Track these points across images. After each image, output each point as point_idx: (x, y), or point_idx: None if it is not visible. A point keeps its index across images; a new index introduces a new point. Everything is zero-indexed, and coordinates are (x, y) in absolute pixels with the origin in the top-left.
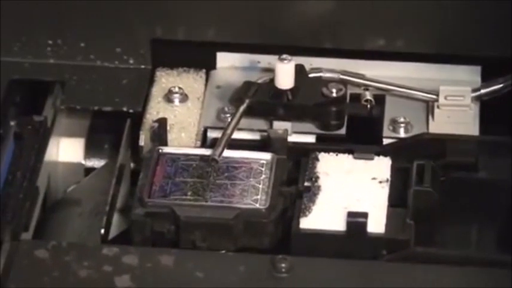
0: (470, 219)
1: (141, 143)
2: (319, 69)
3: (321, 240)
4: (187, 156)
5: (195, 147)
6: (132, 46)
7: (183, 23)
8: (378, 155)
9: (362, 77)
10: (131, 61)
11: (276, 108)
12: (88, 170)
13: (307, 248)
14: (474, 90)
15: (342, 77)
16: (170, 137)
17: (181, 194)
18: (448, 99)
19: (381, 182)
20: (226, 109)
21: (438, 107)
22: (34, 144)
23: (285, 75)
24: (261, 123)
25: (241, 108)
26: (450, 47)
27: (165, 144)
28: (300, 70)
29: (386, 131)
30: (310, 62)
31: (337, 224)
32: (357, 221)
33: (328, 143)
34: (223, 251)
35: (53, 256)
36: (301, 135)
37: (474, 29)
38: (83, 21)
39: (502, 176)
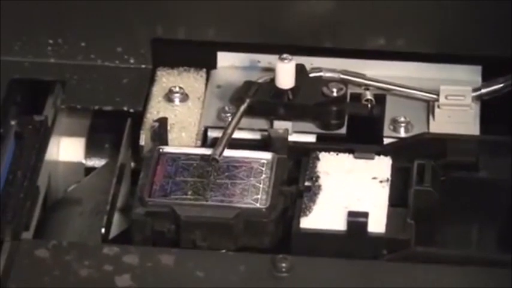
0: (470, 218)
1: (142, 142)
2: (319, 69)
3: (322, 239)
4: (187, 155)
5: (196, 146)
6: (132, 45)
7: (184, 22)
8: (379, 154)
9: (362, 76)
10: (132, 60)
11: (277, 107)
12: (88, 170)
13: (308, 247)
14: (475, 90)
15: (342, 76)
16: (171, 136)
17: (181, 194)
18: (448, 98)
19: (381, 181)
20: (226, 109)
21: (439, 106)
22: (35, 143)
23: (285, 75)
24: (262, 123)
25: (242, 108)
26: (451, 46)
27: (166, 143)
28: (300, 70)
29: (386, 130)
30: (310, 62)
31: (338, 223)
32: (357, 220)
33: (329, 143)
34: (224, 251)
35: (53, 255)
36: (302, 134)
37: (474, 28)
38: (83, 20)
39: (503, 176)
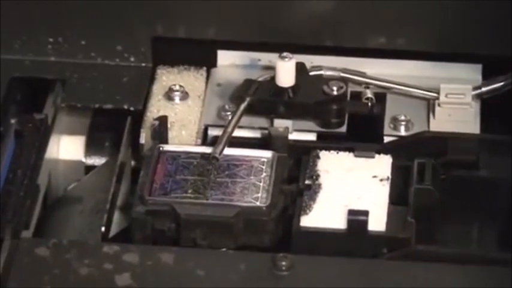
0: (471, 217)
1: (142, 140)
2: (320, 67)
3: (322, 238)
4: (188, 154)
5: (196, 145)
6: (132, 44)
7: (184, 21)
8: (379, 153)
9: (363, 75)
10: (132, 59)
11: (277, 106)
12: (89, 168)
13: (308, 246)
14: (475, 89)
15: (342, 75)
16: (171, 134)
17: (181, 192)
18: (448, 97)
19: (381, 180)
20: (227, 107)
21: (439, 105)
22: (35, 142)
23: (285, 73)
24: (262, 121)
25: (242, 106)
26: (451, 45)
27: (166, 142)
28: (300, 68)
29: (387, 129)
30: (311, 60)
31: (338, 222)
32: (357, 219)
33: (329, 141)
34: (224, 249)
35: (53, 254)
36: (302, 133)
37: (475, 27)
38: (83, 19)
39: (503, 174)
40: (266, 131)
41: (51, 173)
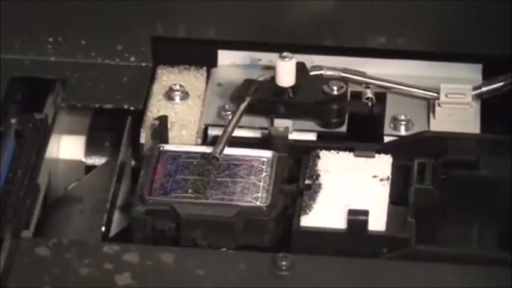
0: (471, 217)
1: (142, 140)
2: (320, 67)
3: (322, 238)
4: (188, 153)
5: (196, 144)
6: (133, 44)
7: (184, 20)
8: (379, 152)
9: (363, 74)
10: (132, 59)
11: (277, 106)
12: (89, 168)
13: (308, 245)
14: (475, 88)
15: (343, 74)
16: (171, 134)
17: (182, 192)
18: (449, 97)
19: (381, 179)
20: (227, 107)
21: (439, 105)
22: (35, 141)
23: (286, 73)
24: (262, 121)
25: (242, 106)
26: (451, 45)
27: (166, 141)
28: (301, 68)
29: (387, 128)
30: (311, 60)
31: (338, 221)
32: (357, 218)
33: (329, 141)
34: (224, 249)
35: (53, 254)
36: (302, 133)
37: (475, 27)
38: (83, 18)
39: (503, 174)
40: (266, 131)
41: (52, 172)
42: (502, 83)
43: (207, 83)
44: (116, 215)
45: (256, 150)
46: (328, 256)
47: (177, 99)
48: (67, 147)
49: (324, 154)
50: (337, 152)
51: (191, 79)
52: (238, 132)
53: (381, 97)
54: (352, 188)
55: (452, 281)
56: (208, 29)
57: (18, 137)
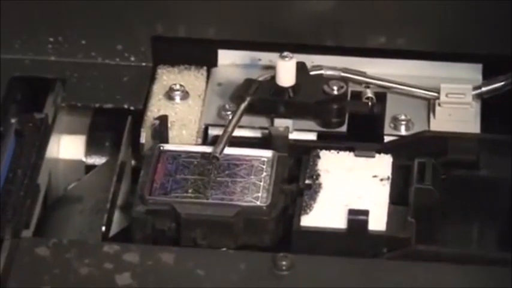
0: (471, 217)
1: (142, 140)
2: (320, 67)
3: (322, 237)
4: (188, 153)
5: (196, 144)
6: (133, 43)
7: (184, 20)
8: (379, 152)
9: (363, 74)
10: (132, 58)
11: (277, 105)
12: (89, 168)
13: (308, 245)
14: (475, 88)
15: (343, 74)
16: (171, 134)
17: (182, 192)
18: (449, 97)
19: (382, 179)
20: (227, 106)
21: (439, 104)
22: (35, 141)
23: (286, 73)
24: (262, 121)
25: (242, 106)
26: (451, 44)
27: (166, 141)
28: (301, 67)
29: (387, 128)
30: (311, 60)
31: (338, 221)
32: (357, 218)
33: (329, 141)
34: (224, 249)
35: (53, 254)
36: (302, 132)
37: (475, 26)
38: (84, 18)
39: (503, 174)
40: (266, 131)
41: (52, 172)
42: (502, 83)
43: (207, 82)
44: (116, 215)
45: (257, 150)
46: (329, 256)
47: (177, 99)
48: (67, 147)
49: (324, 154)
50: (338, 152)
51: (191, 79)
52: (238, 132)
53: (381, 97)
54: (352, 187)
55: (452, 281)
56: (208, 29)
57: (18, 136)
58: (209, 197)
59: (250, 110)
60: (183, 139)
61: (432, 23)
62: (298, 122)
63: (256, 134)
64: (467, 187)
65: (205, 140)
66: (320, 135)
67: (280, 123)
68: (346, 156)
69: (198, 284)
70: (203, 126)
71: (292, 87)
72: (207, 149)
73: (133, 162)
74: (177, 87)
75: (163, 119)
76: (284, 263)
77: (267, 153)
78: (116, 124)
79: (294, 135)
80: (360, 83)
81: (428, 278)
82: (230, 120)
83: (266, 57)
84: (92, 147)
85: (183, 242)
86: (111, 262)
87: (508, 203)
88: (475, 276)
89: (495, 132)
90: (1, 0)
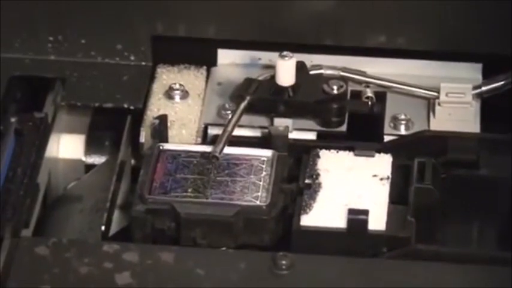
0: (471, 216)
1: (142, 139)
2: (320, 66)
3: (322, 237)
4: (187, 153)
5: (196, 144)
6: (133, 43)
7: (184, 19)
8: (379, 152)
9: (363, 74)
10: (132, 58)
11: (277, 105)
12: (88, 167)
13: (308, 245)
14: (475, 88)
15: (342, 74)
16: (171, 133)
17: (181, 191)
18: (449, 96)
19: (381, 179)
20: (227, 106)
21: (439, 104)
22: (34, 140)
23: (285, 72)
24: (262, 120)
25: (242, 105)
26: (451, 44)
27: (166, 140)
28: (300, 67)
29: (387, 128)
30: (311, 59)
31: (338, 221)
32: (357, 218)
33: (329, 140)
34: (224, 248)
35: (53, 253)
36: (302, 132)
37: (475, 26)
38: (83, 17)
39: (503, 174)
40: (266, 130)
41: (51, 171)
42: (502, 82)
43: (207, 82)
44: (116, 214)
45: (256, 149)
46: (328, 255)
47: (177, 98)
48: (67, 146)
49: (324, 153)
50: (337, 151)
51: (191, 78)
52: (238, 132)
53: (381, 96)
54: (352, 187)
55: (452, 280)
56: (208, 28)
57: (18, 136)
58: (209, 197)
59: (250, 110)
60: (182, 138)
61: (432, 22)
62: (298, 121)
63: (256, 133)
64: (467, 186)
65: (205, 139)
66: (320, 135)
67: (280, 122)
68: (346, 156)
69: (198, 283)
70: (203, 126)
71: (292, 86)
72: (207, 148)
73: (133, 161)
74: (177, 86)
75: (163, 119)
76: (284, 262)
77: (266, 153)
78: (116, 123)
79: (293, 135)
80: (359, 82)
81: (428, 278)
82: (230, 120)
83: (266, 56)
84: (91, 146)
85: (182, 242)
86: (111, 261)
87: (508, 203)
88: (475, 275)
89: (495, 131)
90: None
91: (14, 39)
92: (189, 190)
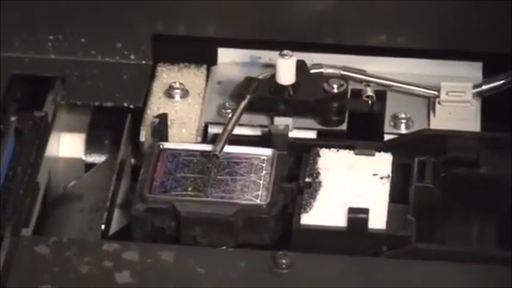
0: (471, 215)
1: (142, 138)
2: (320, 65)
3: (322, 236)
4: (188, 151)
5: (196, 142)
6: (133, 41)
7: (184, 18)
8: (379, 151)
9: (363, 72)
10: (132, 56)
11: (277, 104)
12: (89, 166)
13: (308, 244)
14: (475, 86)
15: (343, 72)
16: (171, 132)
17: (182, 190)
18: (449, 95)
19: (382, 178)
20: (227, 105)
21: (439, 103)
22: (35, 139)
23: (286, 71)
24: (262, 119)
25: (242, 104)
26: (451, 43)
27: (166, 139)
28: (301, 66)
29: (387, 127)
30: (311, 58)
31: (338, 220)
32: (357, 217)
33: (329, 139)
34: (224, 247)
35: (53, 252)
36: (302, 131)
37: (475, 25)
38: (83, 16)
39: (503, 172)
40: (266, 129)
41: (51, 170)
42: (502, 81)
43: (207, 81)
44: (116, 213)
45: (256, 148)
46: (329, 254)
47: (177, 97)
48: (67, 145)
49: (324, 152)
50: (337, 150)
51: (191, 77)
52: (238, 130)
53: (381, 95)
54: (352, 186)
55: (452, 279)
56: (208, 27)
57: (18, 135)
58: (209, 195)
59: (250, 108)
60: (182, 137)
61: (432, 21)
62: (298, 120)
63: (256, 132)
64: (467, 185)
65: (205, 138)
66: (320, 134)
67: (280, 121)
68: (346, 155)
69: (198, 282)
70: (203, 125)
71: (292, 85)
72: (207, 147)
73: (133, 160)
74: (177, 85)
75: (163, 117)
76: (284, 261)
77: (267, 152)
78: (116, 122)
79: (293, 134)
80: (360, 81)
81: (429, 277)
82: (230, 119)
83: (266, 55)
84: (91, 145)
85: (182, 240)
86: (111, 260)
87: (508, 201)
88: (475, 274)
89: (495, 130)
90: None
91: (14, 38)
92: (189, 189)
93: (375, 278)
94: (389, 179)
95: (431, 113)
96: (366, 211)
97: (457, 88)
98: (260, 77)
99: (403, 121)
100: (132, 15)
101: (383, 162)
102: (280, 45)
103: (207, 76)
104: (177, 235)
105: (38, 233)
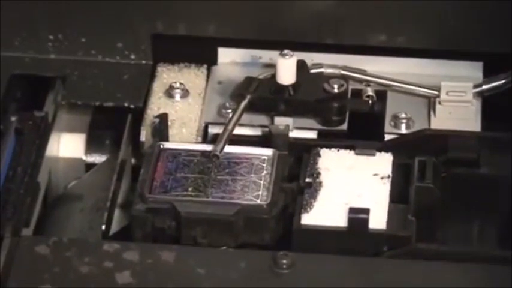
0: (471, 215)
1: (142, 138)
2: (320, 65)
3: (322, 236)
4: (188, 151)
5: (196, 142)
6: (133, 41)
7: (185, 18)
8: (380, 151)
9: (363, 72)
10: (132, 56)
11: (277, 103)
12: (89, 166)
13: (309, 244)
14: (476, 86)
15: (343, 72)
16: (171, 132)
17: (182, 190)
18: (449, 95)
19: (382, 178)
20: (227, 105)
21: (440, 102)
22: (35, 139)
23: (286, 71)
24: (262, 119)
25: (243, 104)
26: (452, 42)
27: (166, 139)
28: (301, 66)
29: (387, 126)
30: (311, 58)
31: (339, 220)
32: (358, 217)
33: (330, 139)
34: (224, 247)
35: (53, 252)
36: (303, 131)
37: (476, 24)
38: (84, 16)
39: (504, 172)
40: (267, 129)
41: (52, 170)
42: (502, 81)
43: (207, 80)
44: (116, 213)
45: (257, 148)
46: (329, 254)
47: (178, 97)
48: (67, 145)
49: (324, 152)
50: (338, 150)
51: (191, 77)
52: (238, 130)
53: (381, 95)
54: (352, 186)
55: (452, 279)
56: (208, 27)
57: (18, 134)
58: (209, 196)
59: (251, 108)
60: (183, 137)
61: (433, 21)
62: (299, 120)
63: (257, 132)
64: (467, 185)
65: (206, 138)
66: (320, 134)
67: (281, 121)
68: (347, 155)
69: (198, 282)
70: (203, 125)
71: (293, 85)
72: (207, 147)
73: (133, 160)
74: (177, 85)
75: (163, 117)
76: (284, 261)
77: (267, 152)
78: (116, 122)
79: (294, 134)
80: (360, 81)
81: (429, 277)
82: (230, 119)
83: (266, 55)
84: (92, 145)
85: (183, 241)
86: (111, 261)
87: (509, 201)
88: (476, 274)
89: (496, 130)
90: None
91: (14, 38)
92: (190, 189)
93: (376, 278)
94: (390, 179)
95: (431, 112)
96: (366, 211)
97: (458, 88)
98: (260, 76)
99: (404, 121)
100: (132, 15)
101: (383, 162)
102: (280, 45)
103: (208, 76)
104: (178, 235)
105: (38, 233)
